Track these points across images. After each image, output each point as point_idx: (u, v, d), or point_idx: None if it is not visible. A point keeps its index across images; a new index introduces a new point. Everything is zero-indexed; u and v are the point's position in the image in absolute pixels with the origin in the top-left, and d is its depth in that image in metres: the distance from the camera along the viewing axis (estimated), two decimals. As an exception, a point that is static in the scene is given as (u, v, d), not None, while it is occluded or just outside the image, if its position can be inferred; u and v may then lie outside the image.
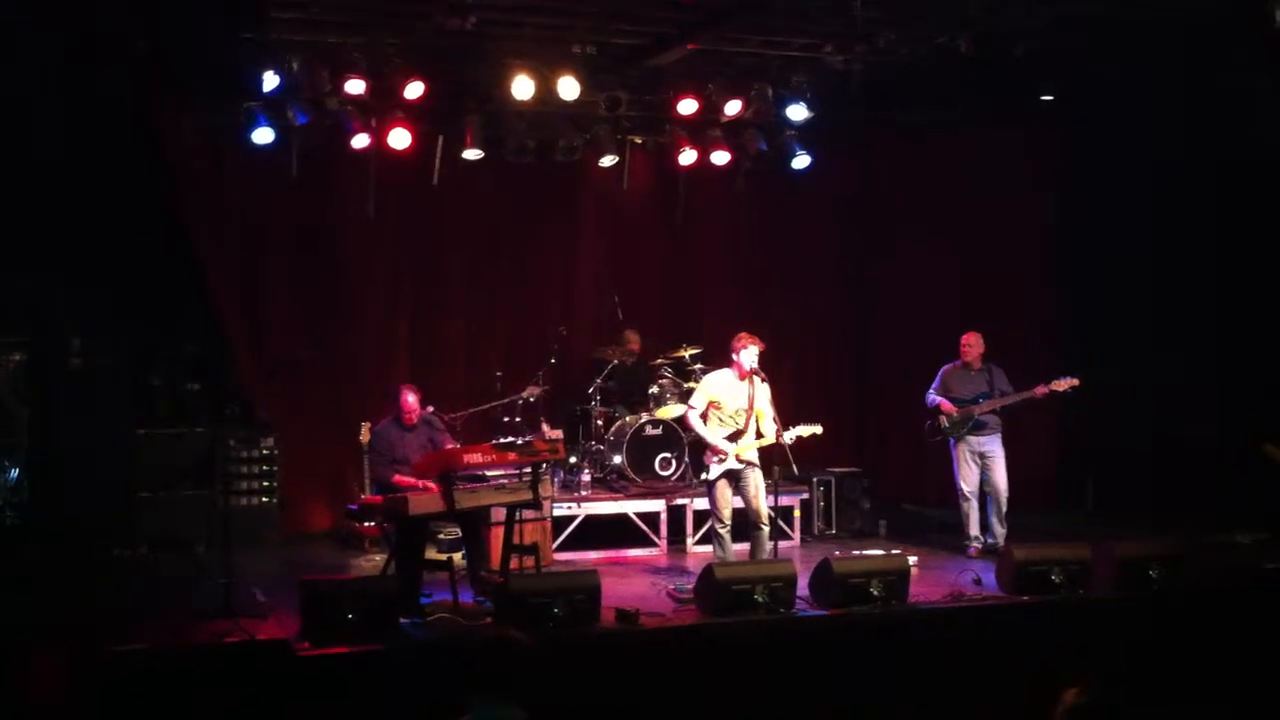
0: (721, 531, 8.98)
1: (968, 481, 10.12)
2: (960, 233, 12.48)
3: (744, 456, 8.91)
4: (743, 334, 9.00)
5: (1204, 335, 11.06)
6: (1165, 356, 11.19)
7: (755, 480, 8.92)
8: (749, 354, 8.89)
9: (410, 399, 8.95)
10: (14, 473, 9.89)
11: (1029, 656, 7.57)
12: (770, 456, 8.95)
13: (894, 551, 9.23)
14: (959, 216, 12.47)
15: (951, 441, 10.14)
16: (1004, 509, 10.08)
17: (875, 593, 8.02)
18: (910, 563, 8.59)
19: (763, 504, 8.91)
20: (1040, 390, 9.95)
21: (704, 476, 9.15)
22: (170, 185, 10.37)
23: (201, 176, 10.59)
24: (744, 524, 8.99)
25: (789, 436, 8.78)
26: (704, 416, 9.02)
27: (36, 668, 6.51)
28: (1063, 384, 9.88)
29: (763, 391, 8.96)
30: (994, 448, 10.10)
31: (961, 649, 7.79)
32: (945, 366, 10.31)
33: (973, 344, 10.22)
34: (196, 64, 9.80)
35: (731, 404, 8.96)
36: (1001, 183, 12.40)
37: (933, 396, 10.22)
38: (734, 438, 8.93)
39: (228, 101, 10.16)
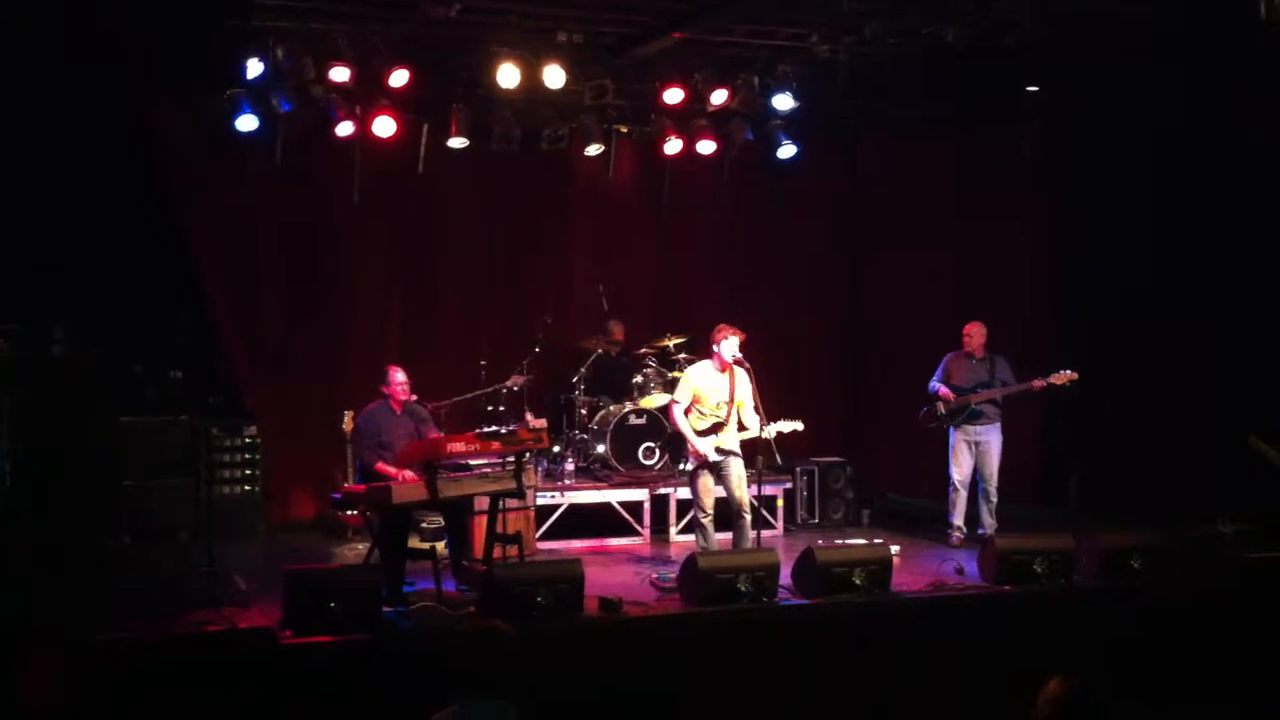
0: (704, 521, 8.99)
1: (959, 470, 10.15)
2: (953, 225, 12.37)
3: (724, 447, 8.91)
4: (723, 325, 9.00)
5: (1203, 335, 10.98)
6: (1163, 355, 11.11)
7: (736, 470, 8.94)
8: (729, 345, 8.89)
9: (399, 376, 8.92)
10: (-4, 461, 9.83)
11: (1011, 646, 7.60)
12: (754, 446, 8.96)
13: (876, 541, 9.25)
14: (951, 209, 12.37)
15: (950, 429, 10.15)
16: (994, 500, 10.10)
17: (858, 582, 8.04)
18: (893, 552, 8.62)
19: (744, 493, 8.92)
20: (1038, 383, 9.95)
21: (683, 467, 9.15)
22: (156, 172, 10.31)
23: (187, 163, 10.52)
24: (727, 513, 9.00)
25: (770, 431, 8.80)
26: (687, 410, 9.03)
27: (27, 666, 6.47)
28: (1061, 377, 9.86)
29: (744, 382, 8.95)
30: (990, 437, 10.13)
31: (944, 638, 7.82)
32: (949, 354, 10.32)
33: (973, 334, 10.24)
34: (182, 51, 9.75)
35: (713, 397, 8.96)
36: (995, 178, 12.28)
37: (934, 384, 10.22)
38: (715, 429, 8.94)
39: (212, 89, 10.12)
